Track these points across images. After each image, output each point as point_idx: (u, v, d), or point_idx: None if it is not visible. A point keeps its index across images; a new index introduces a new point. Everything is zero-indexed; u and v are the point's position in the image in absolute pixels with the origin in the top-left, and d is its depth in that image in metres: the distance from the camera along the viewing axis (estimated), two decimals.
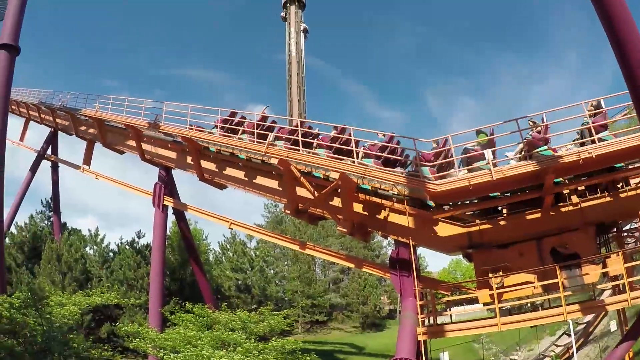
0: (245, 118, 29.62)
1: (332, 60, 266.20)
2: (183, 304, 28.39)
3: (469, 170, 18.91)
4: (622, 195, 19.20)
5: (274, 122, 28.49)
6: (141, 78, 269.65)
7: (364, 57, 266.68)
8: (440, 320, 22.52)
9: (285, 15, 64.33)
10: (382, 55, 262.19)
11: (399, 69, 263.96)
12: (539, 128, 18.64)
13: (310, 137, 25.18)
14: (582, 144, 17.77)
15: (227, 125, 28.27)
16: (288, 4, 64.70)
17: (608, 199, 19.25)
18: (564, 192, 19.83)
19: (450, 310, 26.05)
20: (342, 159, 22.04)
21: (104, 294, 29.06)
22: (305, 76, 60.63)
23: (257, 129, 26.50)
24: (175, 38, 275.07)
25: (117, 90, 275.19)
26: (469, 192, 18.80)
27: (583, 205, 19.37)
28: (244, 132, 27.65)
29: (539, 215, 19.83)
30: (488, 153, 18.11)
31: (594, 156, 16.60)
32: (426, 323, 21.30)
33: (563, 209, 19.67)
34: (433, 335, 20.97)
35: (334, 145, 23.61)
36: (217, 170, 30.78)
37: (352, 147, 22.22)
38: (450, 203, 20.95)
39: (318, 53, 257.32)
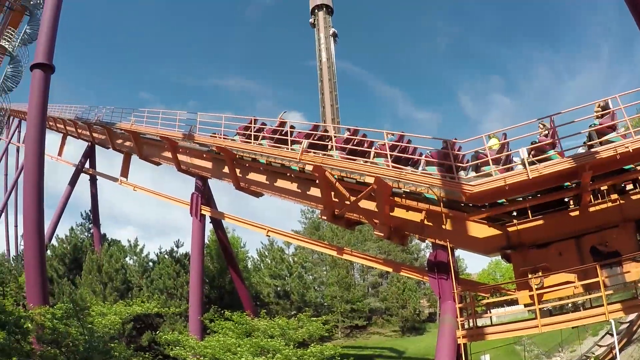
0: (265, 124, 29.98)
1: (363, 64, 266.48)
2: (222, 311, 28.57)
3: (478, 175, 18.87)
4: None
5: (292, 127, 28.76)
6: (175, 89, 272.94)
7: (396, 59, 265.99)
8: (480, 322, 22.33)
9: (314, 21, 64.29)
10: (414, 56, 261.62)
11: (432, 70, 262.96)
12: (546, 132, 18.53)
13: (366, 145, 25.22)
14: (590, 147, 17.49)
15: (262, 134, 28.50)
16: (316, 10, 64.66)
17: None
18: (602, 188, 19.40)
19: (490, 312, 25.76)
20: (376, 163, 21.98)
21: (144, 303, 29.35)
22: (337, 81, 60.55)
23: (276, 134, 26.86)
24: (208, 49, 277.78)
25: (152, 103, 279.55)
26: (505, 192, 18.55)
27: (621, 201, 18.95)
28: (294, 142, 27.85)
29: (577, 213, 19.44)
30: (523, 152, 17.85)
31: (630, 150, 16.25)
32: (466, 326, 21.16)
33: (601, 206, 19.24)
34: (473, 338, 20.81)
35: (347, 146, 23.66)
36: (252, 178, 30.93)
37: (365, 148, 22.32)
38: (487, 204, 20.71)
39: (349, 57, 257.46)
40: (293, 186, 28.39)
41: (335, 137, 26.08)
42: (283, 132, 27.95)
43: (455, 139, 21.83)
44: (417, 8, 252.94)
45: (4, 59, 51.02)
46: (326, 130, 26.71)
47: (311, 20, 65.23)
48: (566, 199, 20.23)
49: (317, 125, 28.39)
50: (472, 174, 19.95)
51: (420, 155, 22.87)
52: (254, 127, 29.65)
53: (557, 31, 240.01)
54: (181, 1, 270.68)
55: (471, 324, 21.42)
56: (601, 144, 17.01)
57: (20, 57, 42.44)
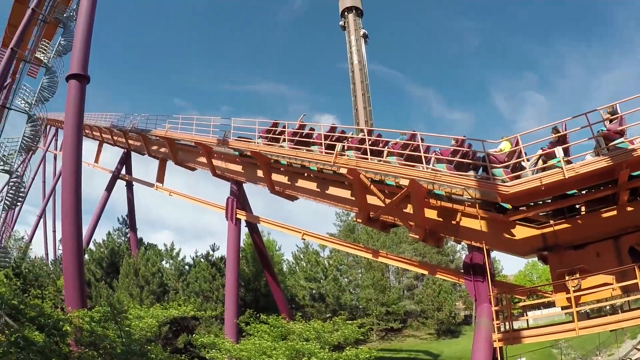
0: (285, 127, 30.61)
1: (395, 65, 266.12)
2: (258, 314, 28.70)
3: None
4: None
5: (312, 129, 29.26)
6: (208, 96, 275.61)
7: (427, 60, 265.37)
8: (516, 325, 21.98)
9: (345, 24, 64.37)
10: (445, 56, 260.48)
11: (464, 69, 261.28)
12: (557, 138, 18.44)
13: (381, 145, 25.19)
14: (598, 154, 17.39)
15: (296, 138, 28.73)
16: (346, 13, 64.72)
17: None
18: None
19: (526, 315, 25.45)
20: (414, 166, 21.95)
21: (181, 306, 29.62)
22: (369, 83, 60.46)
23: (295, 137, 27.13)
24: (240, 55, 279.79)
25: (185, 109, 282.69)
26: (542, 192, 18.34)
27: None
28: (313, 144, 27.99)
29: (614, 212, 19.05)
30: (559, 151, 17.64)
31: None
32: (502, 329, 20.85)
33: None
34: (509, 342, 20.45)
35: (405, 152, 23.51)
36: (287, 182, 31.07)
37: (421, 153, 22.15)
38: (524, 204, 20.50)
39: (380, 59, 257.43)
40: (328, 189, 28.48)
41: (351, 137, 26.34)
42: (303, 135, 28.30)
43: (464, 137, 22.46)
44: (447, 7, 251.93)
45: (39, 70, 51.98)
46: (380, 136, 26.62)
47: (341, 22, 65.30)
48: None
49: (334, 126, 28.38)
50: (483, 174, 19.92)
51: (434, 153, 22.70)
52: (276, 130, 30.07)
53: (590, 25, 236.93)
54: (213, 10, 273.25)
55: (507, 327, 21.09)
56: (609, 150, 16.82)
57: (56, 68, 43.18)
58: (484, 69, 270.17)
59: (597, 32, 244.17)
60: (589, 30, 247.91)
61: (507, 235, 21.29)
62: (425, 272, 29.48)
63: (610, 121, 17.75)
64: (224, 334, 30.66)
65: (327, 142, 26.03)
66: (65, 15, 46.22)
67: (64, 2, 47.86)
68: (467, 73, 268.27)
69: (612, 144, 16.98)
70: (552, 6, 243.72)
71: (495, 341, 20.16)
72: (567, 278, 18.73)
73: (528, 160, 19.20)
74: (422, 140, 23.17)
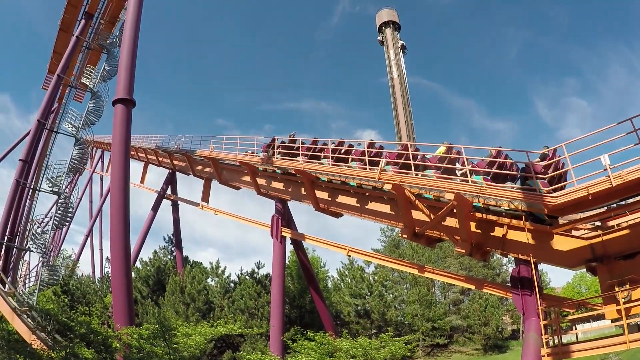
0: (326, 144, 30.97)
1: (434, 77, 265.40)
2: (304, 331, 28.75)
3: None
4: None
5: (351, 145, 29.54)
6: (250, 115, 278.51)
7: (467, 70, 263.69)
8: (565, 339, 21.58)
9: (382, 38, 64.69)
10: (485, 65, 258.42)
11: (505, 77, 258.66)
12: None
13: (419, 159, 25.17)
14: None
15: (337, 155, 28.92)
16: (384, 28, 65.02)
17: None
18: None
19: (575, 328, 25.07)
20: (451, 178, 21.88)
21: (228, 323, 29.86)
22: (409, 97, 60.51)
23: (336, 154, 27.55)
24: (281, 75, 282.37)
25: (228, 129, 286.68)
26: (589, 202, 17.94)
27: None
28: (352, 160, 28.13)
29: None
30: (605, 158, 17.37)
31: None
32: (550, 343, 20.46)
33: None
34: (558, 357, 19.96)
35: (442, 165, 23.45)
36: (331, 199, 31.19)
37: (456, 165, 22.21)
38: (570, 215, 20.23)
39: (419, 71, 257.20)
40: (372, 205, 28.51)
41: (389, 152, 26.43)
42: (342, 152, 28.47)
43: (500, 147, 22.35)
44: (484, 15, 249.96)
45: (85, 95, 53.40)
46: (417, 149, 26.64)
47: (379, 37, 65.80)
48: None
49: (372, 142, 28.44)
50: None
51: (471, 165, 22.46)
52: (316, 148, 30.25)
53: (632, 27, 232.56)
54: (252, 32, 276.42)
55: (556, 342, 20.61)
56: None
57: (101, 92, 44.28)
58: (524, 77, 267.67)
59: (638, 34, 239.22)
60: (631, 31, 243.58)
61: (555, 247, 20.85)
62: (472, 287, 29.16)
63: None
64: (269, 351, 30.79)
65: (367, 157, 26.18)
66: (108, 41, 47.53)
67: (107, 29, 49.27)
68: (507, 81, 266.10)
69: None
70: (591, 9, 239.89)
71: (543, 356, 19.78)
72: (616, 289, 18.36)
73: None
74: (458, 152, 23.42)
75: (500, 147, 22.41)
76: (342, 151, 29.52)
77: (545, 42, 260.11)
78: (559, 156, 21.12)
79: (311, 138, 32.89)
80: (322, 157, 30.91)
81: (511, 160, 22.28)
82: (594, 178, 17.39)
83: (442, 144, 25.64)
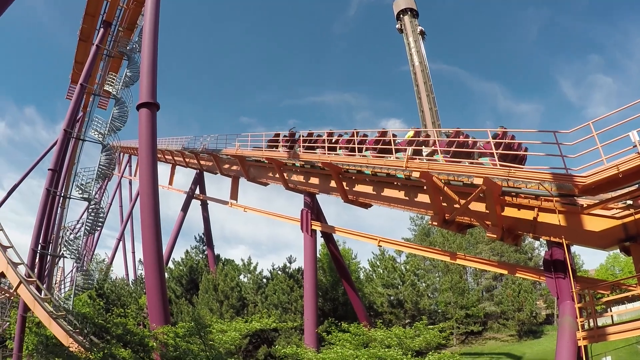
0: (366, 135, 30.48)
1: (455, 62, 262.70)
2: (338, 323, 28.82)
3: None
4: None
5: (365, 135, 29.82)
6: (274, 111, 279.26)
7: (488, 53, 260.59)
8: (600, 322, 21.33)
9: (401, 26, 64.23)
10: (506, 47, 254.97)
11: (527, 58, 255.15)
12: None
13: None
14: None
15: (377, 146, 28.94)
16: (401, 15, 64.54)
17: None
18: None
19: (610, 310, 24.76)
20: (481, 164, 21.76)
21: (262, 319, 30.04)
22: (432, 84, 60.02)
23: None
24: (302, 70, 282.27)
25: (252, 126, 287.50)
26: (619, 180, 17.56)
27: None
28: (366, 149, 28.41)
29: None
30: (634, 135, 17.10)
31: None
32: (586, 327, 20.34)
33: None
34: (594, 340, 19.87)
35: (451, 149, 23.55)
36: (360, 190, 31.20)
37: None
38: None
39: (440, 57, 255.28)
40: (401, 194, 28.49)
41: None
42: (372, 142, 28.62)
43: (503, 127, 22.77)
44: None
45: (109, 102, 54.04)
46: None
47: (397, 26, 65.25)
48: None
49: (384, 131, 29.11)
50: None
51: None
52: (331, 139, 30.26)
53: None
54: (270, 29, 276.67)
55: (591, 325, 20.46)
56: None
57: (124, 98, 44.80)
58: (547, 57, 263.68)
59: None
60: None
61: (586, 228, 20.66)
62: (505, 272, 28.91)
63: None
64: (304, 344, 30.93)
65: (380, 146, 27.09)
66: (128, 48, 48.06)
67: (126, 35, 49.80)
68: (530, 62, 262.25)
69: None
70: None
71: (579, 340, 19.68)
72: None
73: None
74: (467, 136, 24.05)
75: (503, 127, 22.67)
76: (359, 141, 29.63)
77: (565, 21, 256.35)
78: (512, 136, 22.79)
79: (330, 130, 32.98)
80: (338, 148, 31.09)
81: (518, 142, 22.63)
82: (624, 155, 17.05)
83: (411, 129, 28.33)
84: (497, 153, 21.47)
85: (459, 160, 22.96)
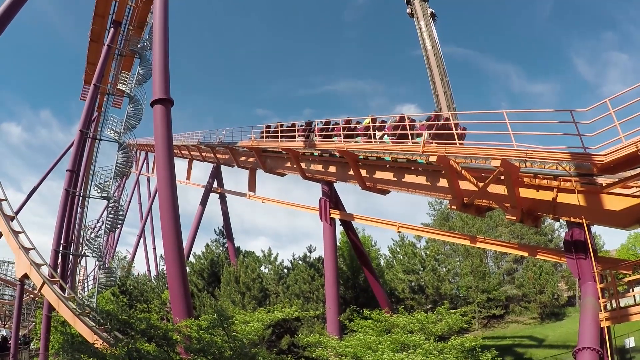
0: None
1: (467, 44, 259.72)
2: (360, 310, 28.88)
3: None
4: None
5: (383, 121, 30.04)
6: (288, 102, 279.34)
7: (500, 33, 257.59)
8: (623, 302, 21.19)
9: (411, 10, 63.82)
10: (518, 26, 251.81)
11: (540, 37, 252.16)
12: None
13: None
14: None
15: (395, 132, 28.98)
16: None
17: None
18: None
19: (633, 290, 24.61)
20: (497, 145, 21.63)
21: (284, 308, 30.20)
22: (445, 67, 59.59)
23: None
24: (315, 59, 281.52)
25: (268, 117, 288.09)
26: (639, 158, 17.43)
27: None
28: (385, 135, 28.67)
29: None
30: None
31: None
32: (608, 307, 20.26)
33: None
34: (617, 320, 19.86)
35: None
36: (377, 176, 31.20)
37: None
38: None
39: (452, 40, 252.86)
40: (419, 179, 28.49)
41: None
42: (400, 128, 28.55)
43: (436, 111, 28.35)
44: None
45: (123, 101, 54.39)
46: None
47: (408, 10, 64.81)
48: None
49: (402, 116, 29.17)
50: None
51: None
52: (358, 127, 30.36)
53: None
54: (281, 21, 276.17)
55: (614, 305, 20.42)
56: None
57: (138, 96, 44.95)
58: (560, 35, 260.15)
59: None
60: None
61: (606, 208, 20.45)
62: (526, 254, 28.85)
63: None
64: (327, 332, 31.03)
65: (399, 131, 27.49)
66: (139, 46, 48.21)
67: (136, 34, 50.10)
68: (543, 41, 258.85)
69: None
70: None
71: (602, 320, 19.58)
72: None
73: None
74: (412, 120, 27.60)
75: (436, 111, 27.76)
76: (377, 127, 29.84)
77: None
78: (446, 119, 26.87)
79: (347, 118, 33.07)
80: (355, 135, 31.26)
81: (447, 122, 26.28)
82: None
83: (368, 116, 30.92)
84: (430, 133, 25.30)
85: (473, 143, 23.10)
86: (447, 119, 27.46)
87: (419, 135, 26.87)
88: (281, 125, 39.12)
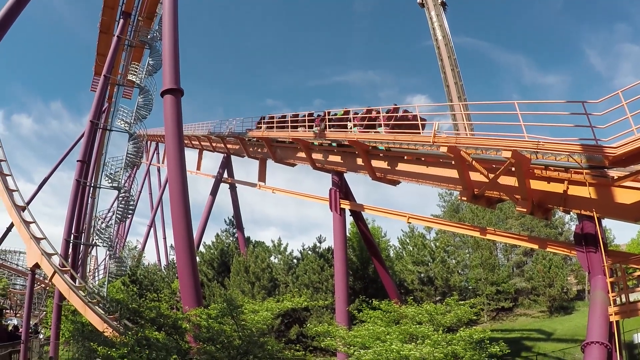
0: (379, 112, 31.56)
1: (478, 35, 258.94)
2: (369, 301, 28.92)
3: None
4: None
5: (406, 111, 30.37)
6: (298, 93, 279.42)
7: (512, 24, 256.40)
8: (632, 297, 21.01)
9: (422, 1, 63.61)
10: (531, 17, 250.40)
11: (552, 28, 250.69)
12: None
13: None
14: None
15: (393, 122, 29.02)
16: None
17: None
18: None
19: None
20: (508, 136, 21.51)
21: (294, 298, 30.26)
22: (456, 58, 59.37)
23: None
24: (325, 50, 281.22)
25: (278, 108, 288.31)
26: None
27: None
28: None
29: None
30: None
31: None
32: (618, 302, 20.15)
33: None
34: (626, 315, 19.72)
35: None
36: (388, 167, 31.18)
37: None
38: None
39: (463, 30, 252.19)
40: (429, 170, 28.42)
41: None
42: (398, 118, 29.91)
43: (395, 104, 30.01)
44: None
45: (133, 91, 54.55)
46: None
47: (419, 0, 64.57)
48: None
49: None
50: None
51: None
52: (371, 117, 30.45)
53: None
54: (293, 11, 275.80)
55: (623, 299, 20.27)
56: None
57: (149, 86, 45.05)
58: (572, 26, 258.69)
59: None
60: None
61: (617, 201, 20.29)
62: (536, 247, 28.69)
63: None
64: (336, 322, 31.09)
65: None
66: (149, 37, 48.25)
67: (146, 25, 50.18)
68: (555, 32, 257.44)
69: None
70: None
71: (611, 315, 19.48)
72: None
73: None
74: (378, 112, 29.95)
75: (395, 104, 29.13)
76: (398, 117, 30.14)
77: None
78: (405, 111, 29.32)
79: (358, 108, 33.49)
80: (377, 125, 31.53)
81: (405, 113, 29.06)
82: None
83: (342, 109, 33.57)
84: (389, 124, 28.09)
85: (483, 134, 22.99)
86: (406, 111, 29.72)
87: (381, 125, 29.29)
88: (284, 117, 39.26)
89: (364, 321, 27.85)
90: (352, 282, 45.99)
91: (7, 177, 39.81)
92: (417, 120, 26.01)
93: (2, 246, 69.77)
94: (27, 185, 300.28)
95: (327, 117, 34.10)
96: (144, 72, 45.74)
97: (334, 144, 35.16)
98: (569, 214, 24.19)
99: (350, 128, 31.80)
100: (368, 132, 30.75)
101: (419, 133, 26.24)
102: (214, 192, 57.69)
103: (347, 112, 32.23)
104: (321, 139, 34.68)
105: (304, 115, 36.43)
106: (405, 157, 30.04)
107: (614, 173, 20.34)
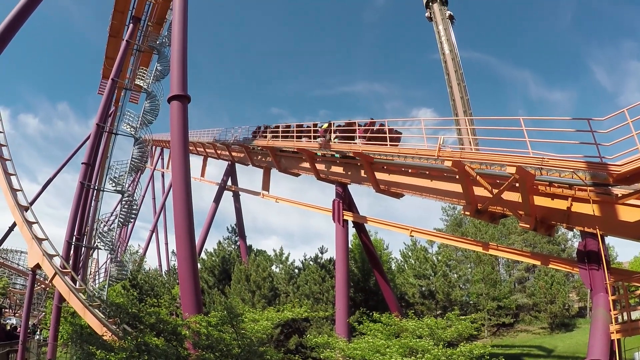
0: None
1: (486, 49, 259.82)
2: (370, 313, 28.85)
3: None
4: None
5: (382, 124, 31.71)
6: (304, 102, 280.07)
7: (520, 39, 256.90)
8: (634, 315, 20.93)
9: (430, 14, 63.87)
10: (538, 33, 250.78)
11: (560, 44, 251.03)
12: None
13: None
14: None
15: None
16: (431, 3, 64.16)
17: None
18: None
19: None
20: (512, 152, 21.50)
21: (294, 308, 30.21)
22: (463, 72, 59.42)
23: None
24: (332, 60, 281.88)
25: (283, 117, 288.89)
26: None
27: None
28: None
29: None
30: None
31: None
32: (619, 320, 20.04)
33: None
34: (628, 333, 19.54)
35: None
36: (391, 179, 31.14)
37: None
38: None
39: (470, 44, 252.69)
40: (433, 184, 28.40)
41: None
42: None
43: (372, 118, 32.56)
44: None
45: (140, 96, 54.84)
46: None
47: (427, 14, 64.99)
48: None
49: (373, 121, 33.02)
50: None
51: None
52: (373, 129, 30.76)
53: None
54: (300, 21, 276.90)
55: (625, 318, 20.10)
56: None
57: (155, 92, 45.31)
58: (580, 43, 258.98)
59: None
60: None
61: (621, 219, 20.29)
62: (538, 263, 28.60)
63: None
64: (336, 334, 31.01)
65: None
66: (158, 42, 48.61)
67: (155, 30, 50.42)
68: (562, 49, 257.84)
69: None
70: None
71: (612, 333, 19.37)
72: None
73: None
74: (359, 125, 32.12)
75: (372, 119, 32.09)
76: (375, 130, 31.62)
77: (600, 5, 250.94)
78: (381, 125, 31.42)
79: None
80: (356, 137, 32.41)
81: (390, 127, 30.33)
82: None
83: (327, 122, 34.74)
84: (364, 136, 30.31)
85: (487, 149, 22.93)
86: (382, 125, 31.65)
87: (358, 137, 31.04)
88: (288, 126, 39.40)
89: (364, 333, 27.80)
90: (353, 294, 45.86)
91: (11, 177, 39.87)
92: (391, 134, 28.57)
93: (3, 245, 69.98)
94: (31, 185, 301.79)
95: (331, 127, 34.15)
96: (151, 77, 45.94)
97: (337, 155, 35.22)
98: (572, 230, 24.10)
99: (354, 140, 31.89)
100: (372, 144, 30.74)
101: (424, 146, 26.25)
102: (217, 200, 57.82)
103: (330, 125, 33.46)
104: (326, 150, 34.73)
105: (309, 126, 36.55)
106: (410, 170, 30.01)
107: (618, 191, 20.32)
